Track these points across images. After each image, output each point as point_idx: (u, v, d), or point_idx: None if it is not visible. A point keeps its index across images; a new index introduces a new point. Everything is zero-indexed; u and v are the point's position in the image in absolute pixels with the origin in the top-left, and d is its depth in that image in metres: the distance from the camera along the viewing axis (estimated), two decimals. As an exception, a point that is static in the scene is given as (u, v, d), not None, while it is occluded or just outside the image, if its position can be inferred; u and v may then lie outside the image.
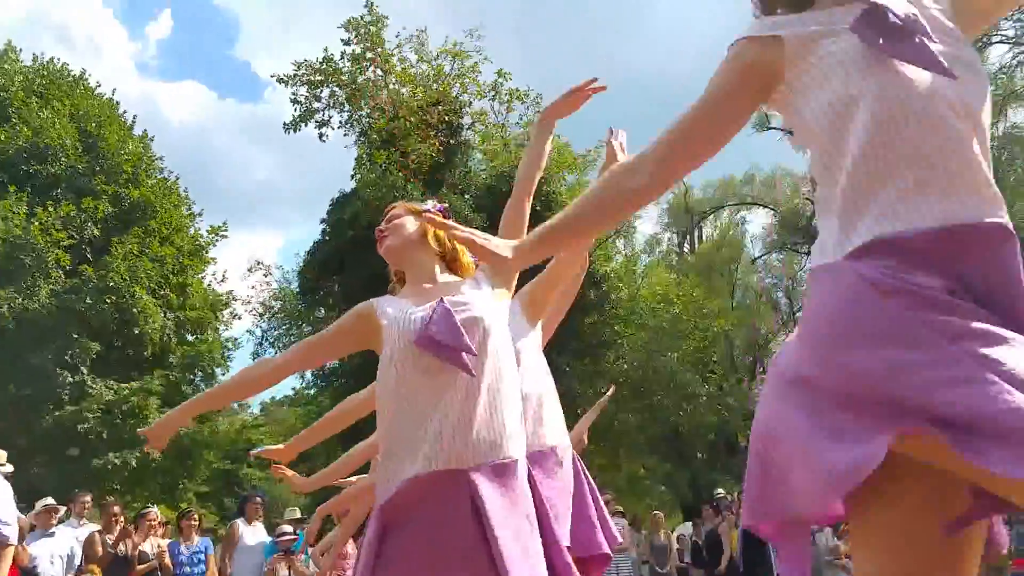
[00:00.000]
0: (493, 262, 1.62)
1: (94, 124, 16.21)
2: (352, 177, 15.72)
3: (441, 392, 1.83)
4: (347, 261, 14.88)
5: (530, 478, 1.96)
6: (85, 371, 13.84)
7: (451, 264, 2.23)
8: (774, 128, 26.90)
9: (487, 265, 2.07)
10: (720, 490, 13.89)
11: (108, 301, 14.02)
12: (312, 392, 19.37)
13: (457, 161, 15.84)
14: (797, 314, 30.43)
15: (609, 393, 5.01)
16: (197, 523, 7.90)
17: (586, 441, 4.25)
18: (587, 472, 2.74)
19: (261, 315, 18.09)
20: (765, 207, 28.54)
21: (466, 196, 15.32)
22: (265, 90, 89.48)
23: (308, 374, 17.53)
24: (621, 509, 10.50)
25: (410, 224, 2.19)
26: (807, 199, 27.34)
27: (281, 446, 3.12)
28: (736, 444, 27.00)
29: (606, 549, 2.55)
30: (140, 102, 69.43)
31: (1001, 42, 19.93)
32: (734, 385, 25.71)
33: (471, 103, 16.82)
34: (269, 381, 2.27)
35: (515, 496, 1.84)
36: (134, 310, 14.25)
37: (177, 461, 14.77)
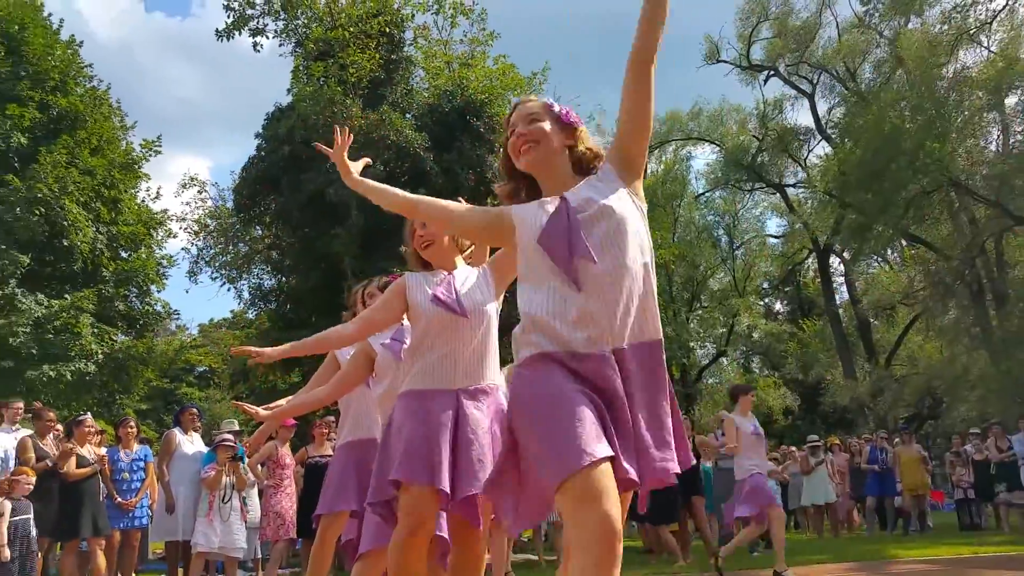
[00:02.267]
0: None
1: (16, 27, 15.29)
2: (288, 91, 15.18)
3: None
4: (283, 178, 14.54)
5: None
6: (14, 283, 13.38)
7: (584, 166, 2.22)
8: (723, 61, 27.00)
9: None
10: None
11: (37, 212, 13.48)
12: (251, 315, 19.13)
13: (398, 78, 15.42)
14: (737, 251, 31.13)
15: None
16: (135, 431, 7.85)
17: None
18: None
19: (196, 233, 17.64)
20: (711, 143, 28.76)
21: (407, 115, 15.01)
22: (193, 3, 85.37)
23: (245, 294, 17.30)
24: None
25: (551, 131, 2.16)
26: (753, 136, 27.66)
27: (262, 411, 3.59)
28: (671, 376, 27.82)
29: None
30: (63, 13, 65.78)
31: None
32: (672, 317, 26.34)
33: (413, 16, 16.32)
34: None
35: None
36: (64, 222, 13.75)
37: (112, 376, 14.52)
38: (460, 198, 2.77)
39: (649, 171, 31.43)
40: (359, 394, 3.91)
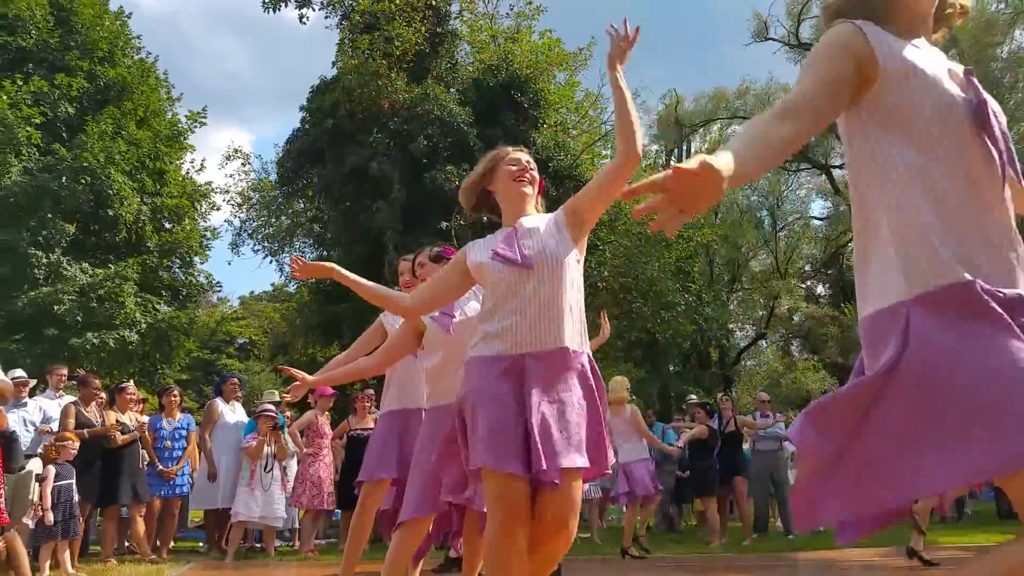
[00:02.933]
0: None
1: (66, -2, 15.44)
2: (333, 65, 15.16)
3: None
4: (327, 151, 14.56)
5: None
6: (60, 252, 13.62)
7: None
8: (772, 39, 26.37)
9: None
10: (693, 396, 14.18)
11: (83, 182, 13.66)
12: (291, 289, 19.32)
13: (443, 51, 15.29)
14: (779, 233, 30.61)
15: (605, 327, 4.84)
16: (178, 400, 7.95)
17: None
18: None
19: (239, 205, 17.81)
20: (756, 122, 28.15)
21: (451, 89, 14.90)
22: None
23: (287, 268, 17.45)
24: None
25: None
26: (798, 116, 27.02)
27: (305, 375, 3.70)
28: (709, 358, 27.53)
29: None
30: (115, -17, 66.47)
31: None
32: (712, 298, 26.02)
33: (460, -11, 16.16)
34: None
35: None
36: (109, 191, 13.91)
37: (155, 346, 14.75)
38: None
39: (693, 150, 30.95)
40: (405, 363, 3.88)
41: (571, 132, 16.34)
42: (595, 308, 14.58)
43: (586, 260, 11.57)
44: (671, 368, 25.54)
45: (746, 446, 10.07)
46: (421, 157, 13.51)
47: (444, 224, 13.93)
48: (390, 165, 13.32)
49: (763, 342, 31.37)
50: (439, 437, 2.89)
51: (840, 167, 27.65)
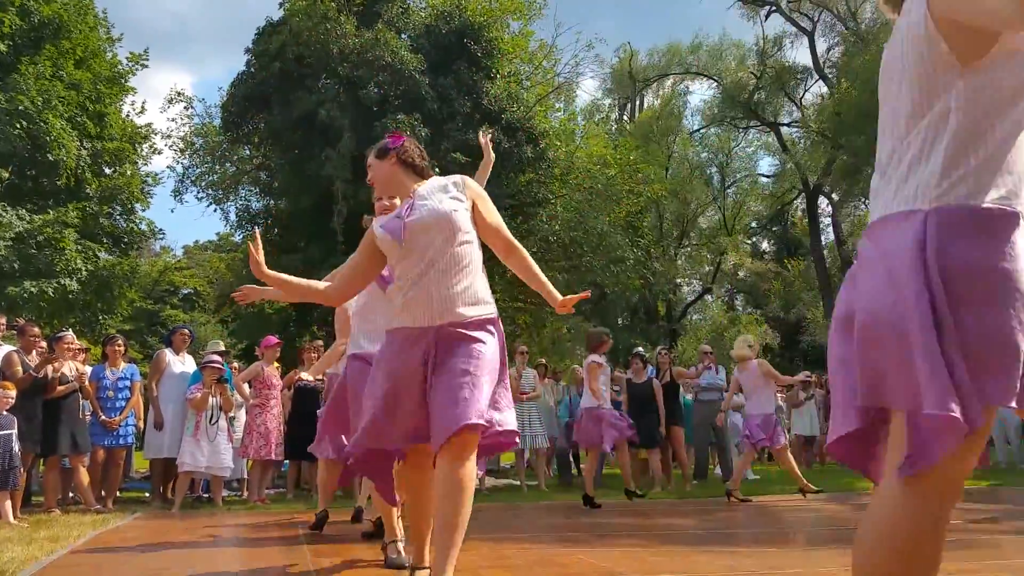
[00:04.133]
0: None
1: (-6, -74, 14.57)
2: (280, 6, 14.67)
3: None
4: (274, 96, 14.20)
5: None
6: (-5, 197, 13.13)
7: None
8: (726, -7, 26.35)
9: None
10: (640, 348, 14.45)
11: (18, 126, 13.11)
12: (238, 239, 18.97)
13: (395, -4, 14.95)
14: (728, 190, 31.00)
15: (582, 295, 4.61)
16: (122, 349, 7.82)
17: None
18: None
19: (182, 151, 17.31)
20: (709, 78, 28.30)
21: (403, 35, 14.61)
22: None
23: (232, 216, 17.11)
24: (543, 361, 10.83)
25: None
26: (752, 73, 27.22)
27: (262, 264, 2.89)
28: (656, 312, 28.01)
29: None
30: (46, -88, 62.88)
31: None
32: (661, 254, 26.37)
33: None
34: None
35: None
36: (47, 137, 13.39)
37: (96, 295, 14.38)
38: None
39: (645, 104, 30.99)
40: (370, 294, 3.75)
41: (524, 83, 16.21)
42: (546, 262, 14.69)
43: (536, 214, 11.65)
44: (619, 321, 25.94)
45: (690, 396, 10.37)
46: (371, 105, 13.27)
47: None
48: (339, 112, 13.06)
49: (709, 297, 32.00)
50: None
51: (788, 125, 28.05)
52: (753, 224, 33.14)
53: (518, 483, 9.47)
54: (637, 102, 30.86)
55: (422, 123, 12.85)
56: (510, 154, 13.56)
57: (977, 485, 8.42)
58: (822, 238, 27.47)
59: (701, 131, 30.45)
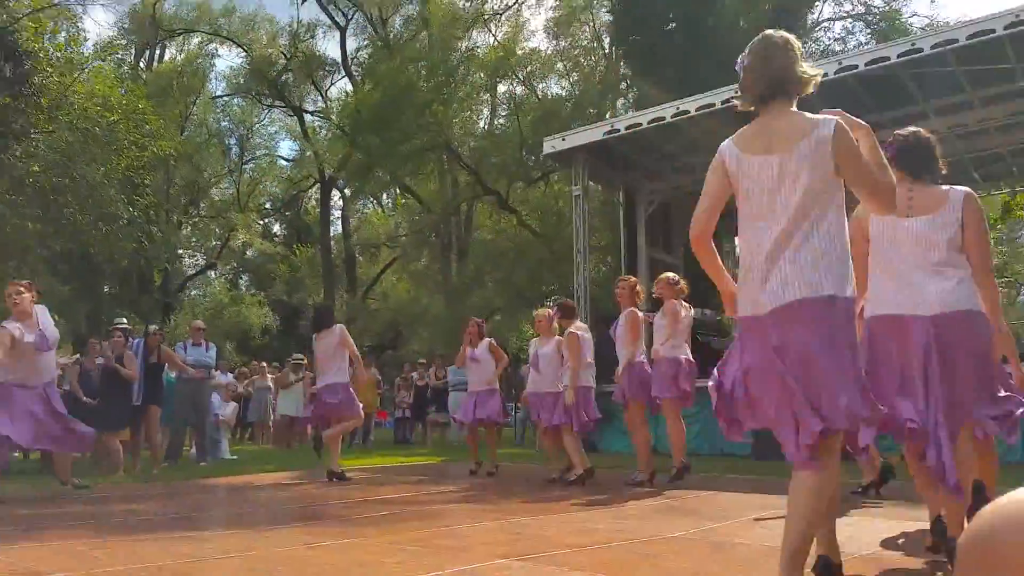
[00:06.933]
0: None
1: None
2: None
3: None
4: None
5: None
6: None
7: None
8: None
9: None
10: (123, 320, 13.06)
11: None
12: None
13: None
14: (246, 165, 30.26)
15: None
16: None
17: None
18: None
19: None
20: (239, 46, 27.23)
21: None
22: None
23: None
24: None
25: None
26: (282, 53, 26.93)
27: None
28: (151, 282, 25.84)
29: None
30: None
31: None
32: (164, 219, 24.44)
33: None
34: None
35: None
36: None
37: None
38: None
39: (167, 56, 28.52)
40: None
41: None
42: (15, 207, 12.38)
43: (11, 148, 9.78)
44: (106, 289, 23.32)
45: (174, 373, 9.71)
46: None
47: None
48: None
49: (212, 272, 30.80)
50: None
51: (312, 113, 28.53)
52: (268, 205, 32.94)
53: None
54: (157, 52, 28.27)
55: None
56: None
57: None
58: (331, 229, 28.58)
59: (225, 98, 29.24)
